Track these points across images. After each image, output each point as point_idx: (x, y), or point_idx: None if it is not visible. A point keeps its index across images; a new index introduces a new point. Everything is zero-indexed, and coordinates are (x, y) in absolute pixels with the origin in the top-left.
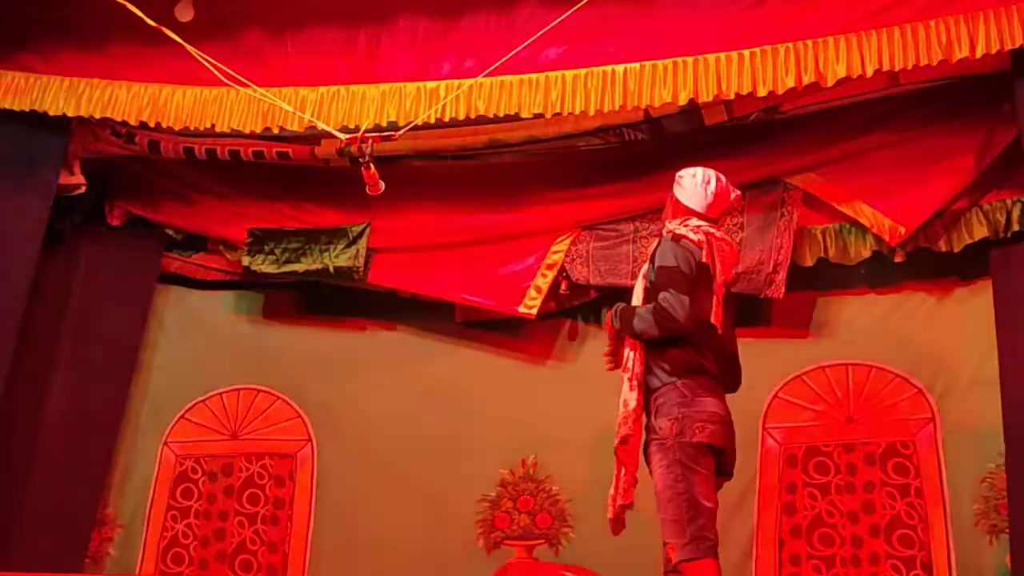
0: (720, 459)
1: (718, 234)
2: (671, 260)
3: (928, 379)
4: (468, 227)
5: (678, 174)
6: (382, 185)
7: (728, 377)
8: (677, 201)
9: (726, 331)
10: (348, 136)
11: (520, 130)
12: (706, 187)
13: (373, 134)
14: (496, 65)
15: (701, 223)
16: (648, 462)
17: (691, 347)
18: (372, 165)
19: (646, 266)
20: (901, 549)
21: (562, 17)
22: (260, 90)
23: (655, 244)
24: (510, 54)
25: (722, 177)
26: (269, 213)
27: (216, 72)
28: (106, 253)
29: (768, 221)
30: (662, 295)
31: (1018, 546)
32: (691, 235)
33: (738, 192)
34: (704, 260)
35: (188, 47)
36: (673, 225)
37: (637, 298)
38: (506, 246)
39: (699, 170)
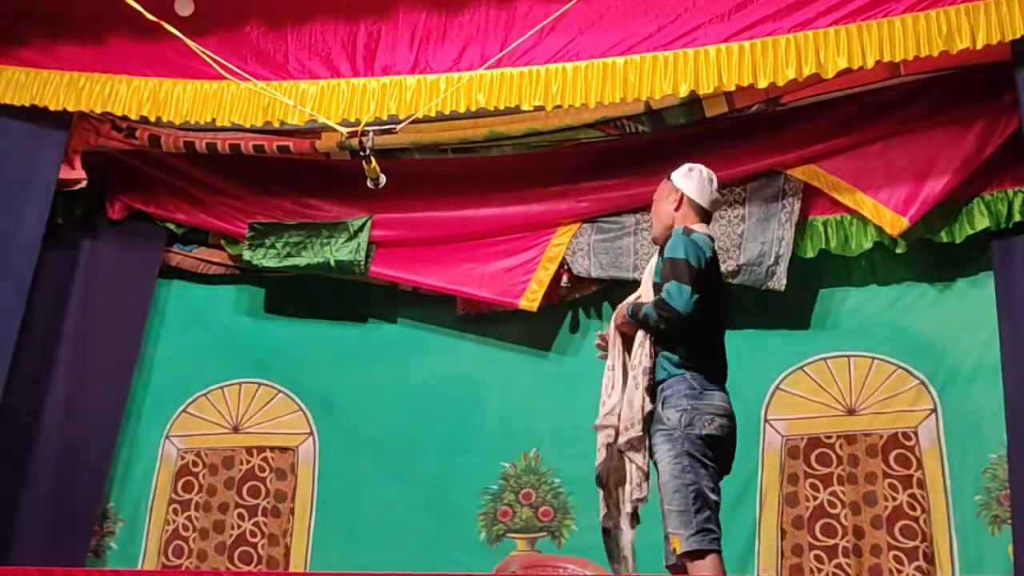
0: (723, 454)
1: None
2: (680, 252)
3: (930, 370)
4: (469, 220)
5: (678, 171)
6: (383, 178)
7: (724, 372)
8: (682, 196)
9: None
10: (349, 129)
11: (521, 123)
12: (710, 184)
13: (373, 127)
14: (497, 57)
15: (704, 226)
16: (652, 452)
17: (700, 340)
18: (373, 159)
19: (655, 260)
20: (903, 540)
21: (563, 9)
22: (260, 84)
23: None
24: (511, 46)
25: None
26: (270, 207)
27: (216, 67)
28: (107, 248)
29: (769, 213)
30: (666, 286)
31: (1020, 536)
32: (702, 230)
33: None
34: (712, 254)
35: (188, 42)
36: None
37: (646, 292)
38: (507, 239)
39: (700, 167)
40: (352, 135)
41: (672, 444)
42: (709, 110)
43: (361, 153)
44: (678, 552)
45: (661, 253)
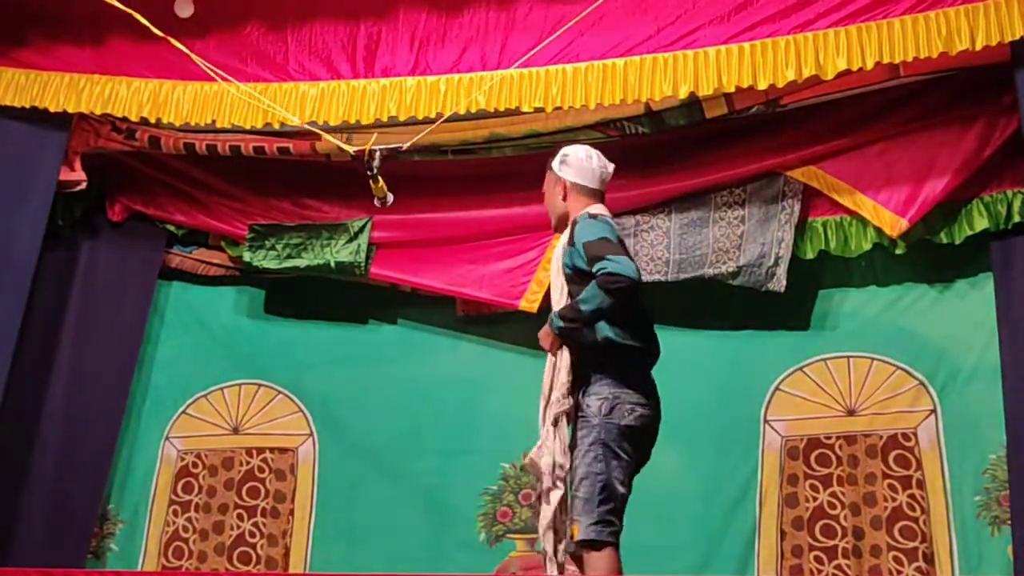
0: (642, 444)
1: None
2: (596, 233)
3: (929, 371)
4: (469, 222)
5: (554, 160)
6: (391, 197)
7: (653, 347)
8: (565, 184)
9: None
10: (356, 149)
11: (521, 124)
12: (590, 161)
13: (379, 147)
14: (524, 59)
15: (601, 206)
16: (574, 437)
17: (619, 326)
18: (380, 178)
19: (559, 255)
20: (903, 541)
21: (577, 19)
22: (248, 87)
23: (568, 231)
24: (526, 56)
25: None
26: (270, 209)
27: (212, 72)
28: (107, 249)
29: (769, 214)
30: (598, 265)
31: (1020, 537)
32: (603, 212)
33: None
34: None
35: (185, 49)
36: (580, 214)
37: (559, 293)
38: (507, 240)
39: (575, 147)
40: (359, 154)
41: (589, 431)
42: (709, 111)
43: (368, 173)
44: (574, 539)
45: (571, 243)
